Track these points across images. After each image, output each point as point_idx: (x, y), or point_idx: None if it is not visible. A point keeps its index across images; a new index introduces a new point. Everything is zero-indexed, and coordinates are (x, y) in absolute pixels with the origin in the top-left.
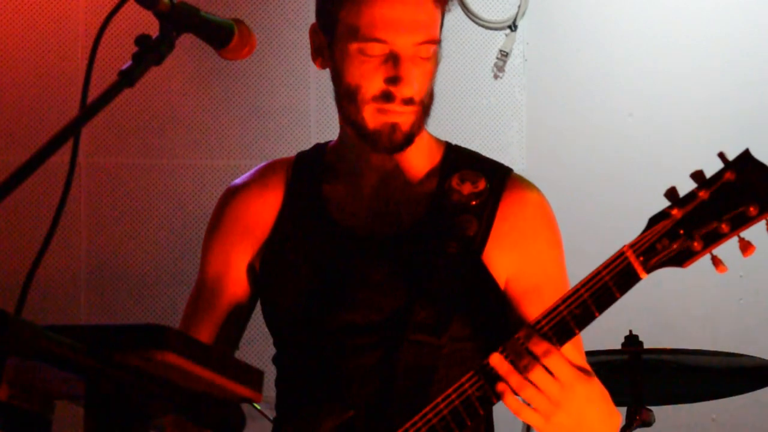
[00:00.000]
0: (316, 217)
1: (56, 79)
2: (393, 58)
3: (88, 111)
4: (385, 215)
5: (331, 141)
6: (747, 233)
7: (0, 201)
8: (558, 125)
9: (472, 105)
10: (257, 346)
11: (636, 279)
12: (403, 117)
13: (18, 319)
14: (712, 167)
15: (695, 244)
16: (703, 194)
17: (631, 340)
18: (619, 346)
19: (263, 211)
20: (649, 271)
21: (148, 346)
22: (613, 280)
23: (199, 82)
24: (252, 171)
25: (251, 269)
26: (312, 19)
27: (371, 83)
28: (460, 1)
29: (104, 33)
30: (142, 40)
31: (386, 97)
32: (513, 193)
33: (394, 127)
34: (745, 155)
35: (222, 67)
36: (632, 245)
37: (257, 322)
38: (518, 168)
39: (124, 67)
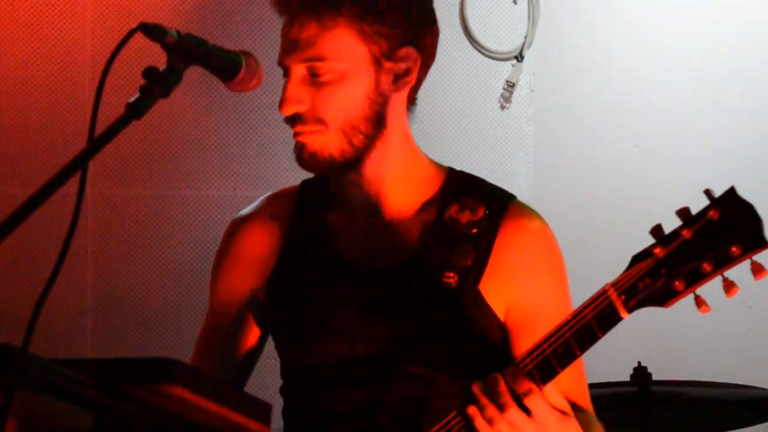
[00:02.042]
0: (319, 247)
1: (63, 109)
2: (286, 79)
3: (96, 144)
4: (384, 246)
5: None
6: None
7: (9, 233)
8: (565, 156)
9: (479, 136)
10: (261, 376)
11: (617, 318)
12: (307, 137)
13: (25, 352)
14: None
15: (677, 283)
16: (686, 233)
17: (640, 371)
18: (627, 378)
19: (268, 241)
20: (630, 310)
21: (157, 379)
22: (595, 319)
23: (210, 111)
24: (257, 202)
25: (256, 301)
26: None
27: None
28: (466, 32)
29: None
30: (149, 73)
31: (285, 119)
32: (512, 221)
33: (299, 146)
34: (730, 193)
35: (234, 96)
36: (614, 284)
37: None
38: (525, 198)
39: (132, 99)
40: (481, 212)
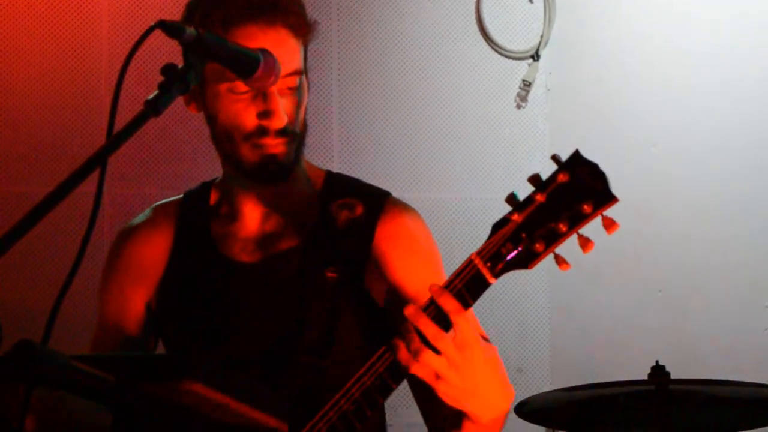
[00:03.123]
0: (205, 254)
1: (79, 108)
2: (262, 94)
3: (115, 141)
4: (270, 246)
5: (217, 178)
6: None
7: (26, 232)
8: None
9: (495, 135)
10: None
11: (485, 284)
12: (278, 149)
13: (44, 348)
14: (738, 198)
15: (537, 245)
16: (539, 197)
17: (658, 370)
18: (645, 377)
19: (155, 252)
20: (497, 275)
21: (177, 376)
22: (465, 287)
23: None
24: (143, 213)
25: (148, 310)
26: (329, 58)
27: (245, 120)
28: (482, 31)
29: (107, 54)
30: (168, 70)
31: (260, 131)
32: (389, 215)
33: (270, 158)
34: (576, 156)
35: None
36: (479, 252)
37: None
38: None
39: (150, 96)
40: (359, 209)
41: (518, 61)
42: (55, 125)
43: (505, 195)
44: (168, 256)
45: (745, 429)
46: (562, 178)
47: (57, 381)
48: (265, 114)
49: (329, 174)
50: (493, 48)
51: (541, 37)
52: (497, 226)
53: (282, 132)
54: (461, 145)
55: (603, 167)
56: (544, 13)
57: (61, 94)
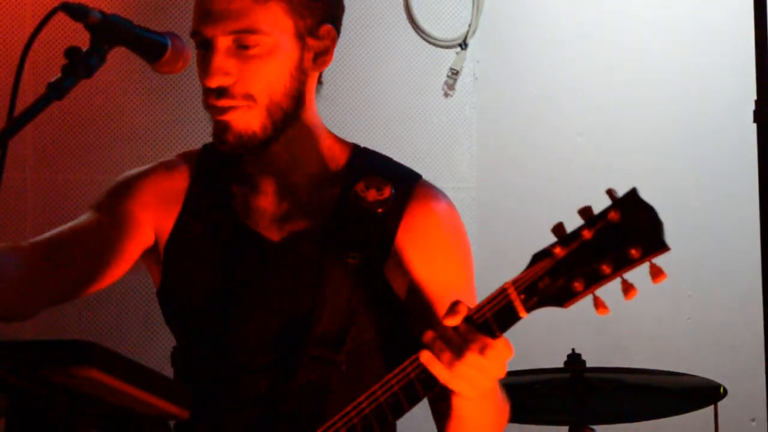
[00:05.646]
0: (222, 213)
1: (2, 93)
2: (208, 50)
3: (16, 123)
4: (288, 220)
5: None
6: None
7: None
8: (508, 144)
9: (423, 123)
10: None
11: (516, 317)
12: (232, 115)
13: None
14: (659, 191)
15: (576, 284)
16: (586, 233)
17: (574, 358)
18: (561, 365)
19: (170, 194)
20: (529, 310)
21: (73, 362)
22: (494, 317)
23: (153, 95)
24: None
25: (155, 240)
26: None
27: (201, 78)
28: (410, 19)
29: (37, 45)
30: (71, 53)
31: (205, 91)
32: (419, 202)
33: (223, 125)
34: (632, 194)
35: (177, 80)
36: (514, 281)
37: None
38: (468, 186)
39: (53, 79)
40: (387, 191)
41: (446, 50)
42: None
43: (433, 183)
44: (182, 203)
45: (661, 417)
46: (613, 216)
47: None
48: (204, 71)
49: (356, 149)
50: (421, 36)
51: (469, 25)
52: (537, 257)
53: (221, 92)
54: (388, 134)
55: (527, 156)
56: (473, 2)
57: None
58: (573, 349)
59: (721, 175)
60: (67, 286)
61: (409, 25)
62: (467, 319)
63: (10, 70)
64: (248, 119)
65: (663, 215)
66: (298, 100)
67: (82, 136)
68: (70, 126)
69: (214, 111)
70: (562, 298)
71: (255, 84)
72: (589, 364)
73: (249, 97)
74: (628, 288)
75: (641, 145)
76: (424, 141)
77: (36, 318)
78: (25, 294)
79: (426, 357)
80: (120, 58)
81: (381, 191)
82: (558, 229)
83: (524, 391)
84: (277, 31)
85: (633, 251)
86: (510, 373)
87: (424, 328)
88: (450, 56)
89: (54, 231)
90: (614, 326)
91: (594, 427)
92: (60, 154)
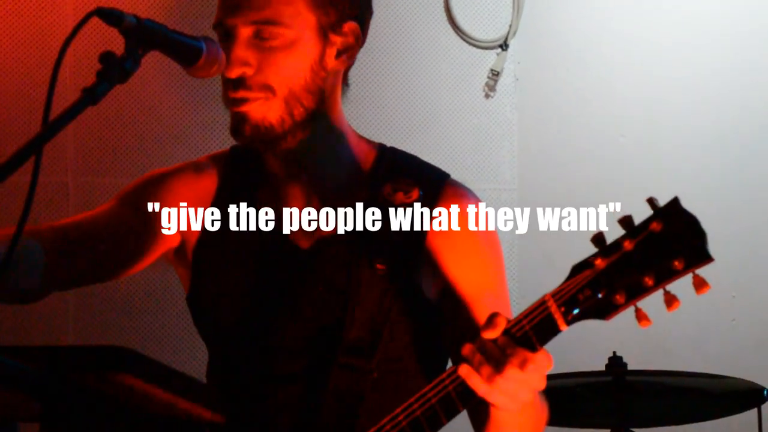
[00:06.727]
0: (250, 218)
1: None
2: (228, 41)
3: (50, 129)
4: (315, 230)
5: None
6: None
7: None
8: (549, 145)
9: (463, 124)
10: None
11: (556, 330)
12: (250, 105)
13: None
14: (703, 192)
15: (618, 296)
16: (627, 245)
17: (615, 361)
18: (602, 368)
19: (199, 195)
20: (569, 323)
21: (108, 367)
22: (533, 330)
23: (194, 101)
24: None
25: (179, 242)
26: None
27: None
28: (451, 20)
29: (72, 52)
30: (106, 58)
31: (224, 83)
32: (448, 201)
33: (240, 116)
34: (673, 204)
35: (218, 85)
36: (554, 294)
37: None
38: (509, 188)
39: (89, 85)
40: (415, 193)
41: (487, 51)
42: (17, 115)
43: (473, 185)
44: (212, 201)
45: (704, 420)
46: (655, 226)
47: None
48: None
49: (382, 149)
50: (461, 37)
51: (510, 26)
52: (577, 269)
53: (239, 83)
54: (429, 134)
55: (569, 157)
56: (513, 2)
57: (25, 81)
58: (614, 352)
59: (766, 175)
60: (74, 274)
61: (449, 27)
62: (506, 332)
63: (49, 63)
64: (265, 111)
65: (706, 215)
66: (319, 96)
67: (124, 140)
68: (112, 130)
69: (232, 103)
70: (604, 310)
71: (274, 75)
72: (630, 367)
73: (267, 88)
74: (671, 300)
75: (684, 144)
76: (465, 142)
77: (75, 321)
78: (42, 278)
79: (465, 371)
80: (161, 62)
81: (408, 194)
82: (598, 238)
83: (565, 395)
84: (299, 25)
85: (676, 263)
86: (551, 377)
87: (459, 330)
88: (491, 57)
89: (70, 219)
90: (656, 328)
91: (636, 430)
92: (102, 159)
